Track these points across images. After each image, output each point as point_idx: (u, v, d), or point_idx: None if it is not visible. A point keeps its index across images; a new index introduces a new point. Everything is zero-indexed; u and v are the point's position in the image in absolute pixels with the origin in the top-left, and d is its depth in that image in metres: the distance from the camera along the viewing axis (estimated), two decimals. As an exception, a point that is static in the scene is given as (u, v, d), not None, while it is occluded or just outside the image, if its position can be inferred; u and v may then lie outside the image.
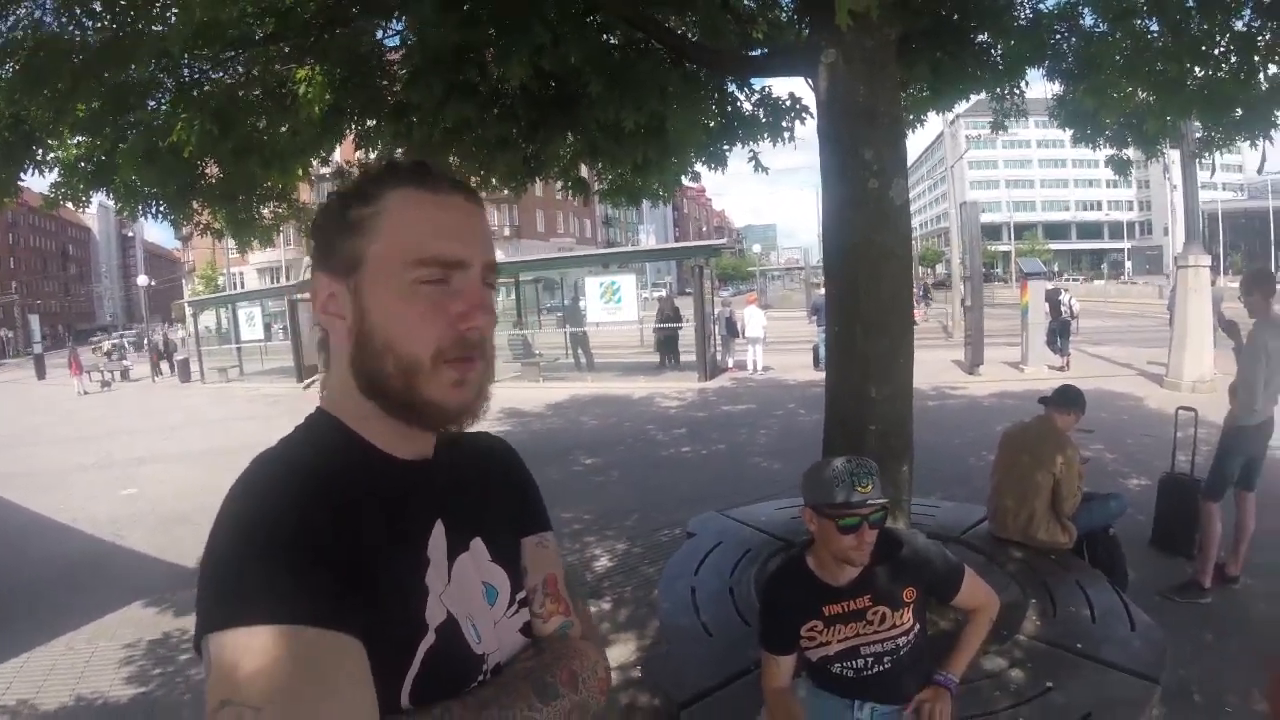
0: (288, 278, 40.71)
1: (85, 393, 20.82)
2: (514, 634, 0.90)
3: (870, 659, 2.08)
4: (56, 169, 4.40)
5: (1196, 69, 4.25)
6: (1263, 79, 4.10)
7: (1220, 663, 3.57)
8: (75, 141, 4.32)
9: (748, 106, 4.50)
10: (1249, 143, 4.63)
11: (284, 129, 4.21)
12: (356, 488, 0.77)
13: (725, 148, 4.64)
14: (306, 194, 5.94)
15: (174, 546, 6.44)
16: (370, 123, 4.55)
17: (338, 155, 5.88)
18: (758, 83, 4.45)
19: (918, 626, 2.07)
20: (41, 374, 26.78)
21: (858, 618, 2.04)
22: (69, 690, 4.08)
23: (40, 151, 4.18)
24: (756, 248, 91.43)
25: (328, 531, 0.70)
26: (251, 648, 0.62)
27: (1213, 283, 10.81)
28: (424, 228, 0.78)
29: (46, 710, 3.91)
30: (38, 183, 4.69)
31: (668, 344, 16.64)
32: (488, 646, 0.84)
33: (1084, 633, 2.91)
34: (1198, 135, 5.74)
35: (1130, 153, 5.51)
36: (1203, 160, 5.73)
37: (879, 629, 2.04)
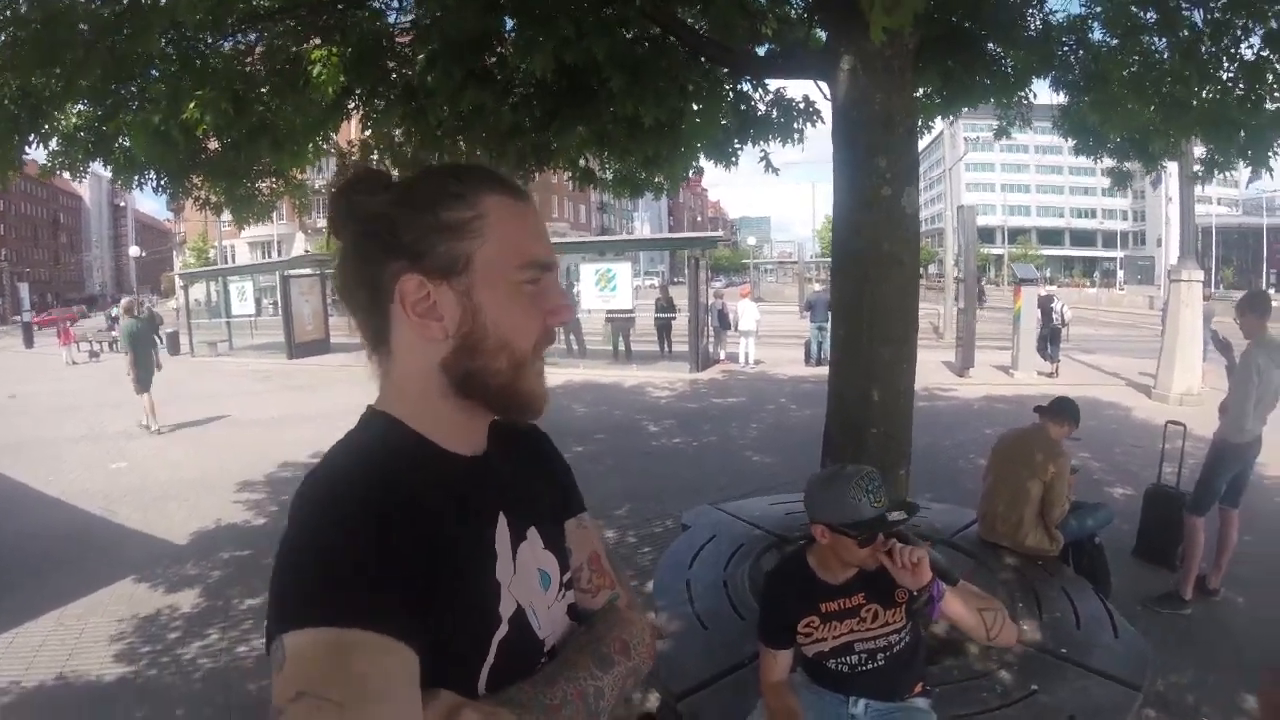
0: (280, 253, 40.50)
1: (74, 362, 20.59)
2: (563, 616, 0.94)
3: (864, 655, 2.13)
4: (55, 138, 4.36)
5: (1203, 91, 4.30)
6: (1268, 105, 4.14)
7: (1199, 673, 3.64)
8: (76, 110, 4.30)
9: (761, 107, 4.52)
10: (1249, 167, 4.69)
11: (290, 107, 4.18)
12: (427, 486, 0.79)
13: (738, 146, 4.66)
14: (306, 172, 5.89)
15: (164, 522, 6.42)
16: (378, 104, 4.54)
17: (336, 135, 5.85)
18: (772, 84, 4.48)
19: (911, 626, 2.12)
20: (29, 343, 26.46)
21: (852, 615, 2.09)
22: (59, 666, 4.04)
23: (44, 124, 4.13)
24: (751, 240, 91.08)
25: (402, 534, 0.72)
26: (333, 648, 0.64)
27: (1205, 297, 10.94)
28: (526, 234, 0.83)
29: (35, 686, 3.87)
30: (35, 151, 4.63)
31: (662, 333, 16.68)
32: (546, 631, 0.89)
33: (1069, 638, 2.95)
34: (1199, 156, 5.80)
35: (1130, 165, 5.56)
36: (1202, 181, 5.79)
37: (871, 626, 2.09)
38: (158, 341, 10.22)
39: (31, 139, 4.10)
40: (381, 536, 0.71)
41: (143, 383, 9.96)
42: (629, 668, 0.92)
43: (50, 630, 4.47)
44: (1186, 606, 4.29)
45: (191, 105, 3.50)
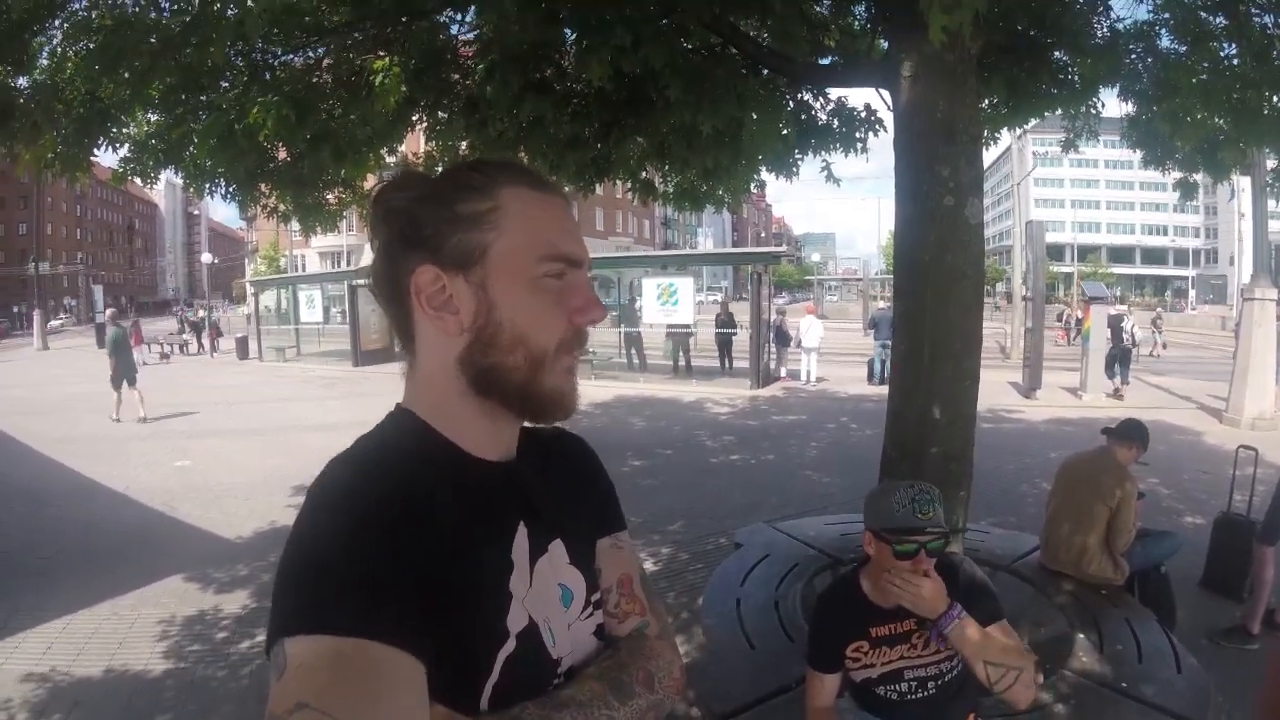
0: (348, 263, 41.64)
1: (144, 364, 21.46)
2: (588, 637, 0.90)
3: (914, 683, 2.05)
4: (127, 145, 4.54)
5: (1275, 98, 4.12)
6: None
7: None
8: (148, 119, 4.47)
9: (822, 116, 4.46)
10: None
11: (354, 118, 4.29)
12: (443, 491, 0.76)
13: (799, 157, 4.61)
14: (370, 181, 6.04)
15: (223, 520, 6.61)
16: (441, 115, 4.62)
17: (404, 147, 5.97)
18: (833, 93, 4.42)
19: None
20: (102, 342, 27.65)
21: (903, 640, 2.02)
22: (109, 655, 4.15)
23: (113, 128, 4.30)
24: (815, 256, 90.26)
25: (413, 539, 0.70)
26: (338, 659, 0.61)
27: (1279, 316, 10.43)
28: (547, 225, 0.81)
29: (84, 673, 3.97)
30: (108, 157, 4.84)
31: (723, 348, 16.59)
32: (562, 650, 0.84)
33: (1130, 672, 2.85)
34: (1271, 165, 5.55)
35: (1199, 177, 5.35)
36: (1275, 193, 5.54)
37: (923, 653, 2.01)
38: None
39: (101, 143, 4.28)
40: (392, 541, 0.68)
41: (124, 380, 11.39)
42: (651, 701, 0.86)
43: (104, 619, 4.63)
44: (1254, 641, 4.06)
45: (255, 110, 3.60)
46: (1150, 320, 22.71)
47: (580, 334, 0.82)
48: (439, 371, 0.81)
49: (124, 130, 4.39)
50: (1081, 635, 3.16)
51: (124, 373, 11.48)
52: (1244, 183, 7.78)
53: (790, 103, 4.42)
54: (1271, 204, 9.00)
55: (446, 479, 0.78)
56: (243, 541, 6.09)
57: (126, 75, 3.56)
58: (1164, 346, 21.20)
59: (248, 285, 30.67)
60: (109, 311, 14.09)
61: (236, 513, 6.84)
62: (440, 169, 5.23)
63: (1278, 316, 10.14)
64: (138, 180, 4.87)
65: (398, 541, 0.69)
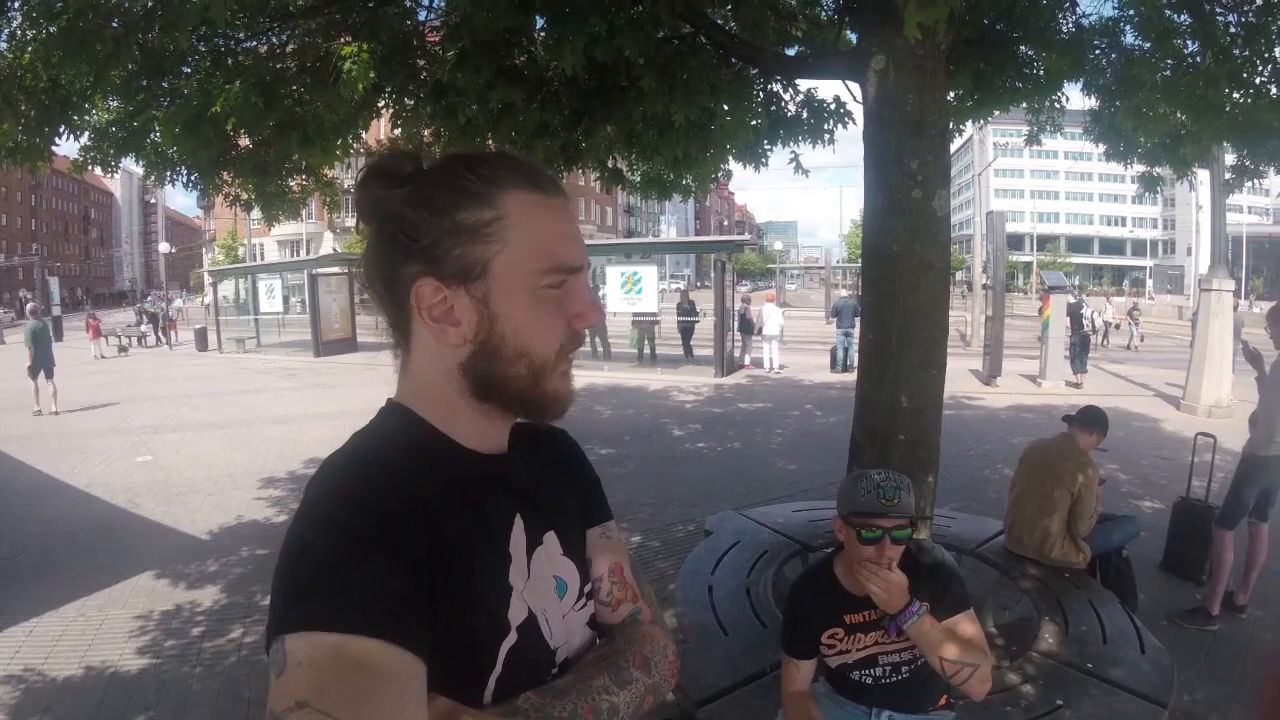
0: (308, 251, 40.90)
1: (102, 356, 20.95)
2: (581, 627, 0.91)
3: (889, 668, 2.09)
4: (87, 133, 4.40)
5: (1236, 94, 4.23)
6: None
7: (1225, 691, 3.57)
8: (109, 106, 4.34)
9: (791, 108, 4.48)
10: (1282, 173, 4.61)
11: (320, 105, 4.21)
12: (441, 484, 0.76)
13: (768, 147, 4.63)
14: (333, 167, 5.93)
15: (187, 516, 6.49)
16: (408, 102, 4.56)
17: (366, 135, 5.87)
18: (802, 84, 4.44)
19: None
20: (59, 336, 26.80)
21: (876, 627, 2.05)
22: (79, 658, 4.06)
23: (74, 116, 4.16)
24: (778, 244, 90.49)
25: (412, 535, 0.69)
26: (339, 657, 0.61)
27: (1235, 307, 10.74)
28: (550, 235, 0.79)
29: (55, 677, 3.87)
30: (66, 146, 4.67)
31: (684, 336, 16.68)
32: (558, 640, 0.85)
33: (1095, 653, 2.91)
34: (1230, 160, 5.71)
35: (1161, 171, 5.48)
36: (1234, 188, 5.70)
37: (897, 640, 2.04)
38: (53, 340, 12.39)
39: (62, 131, 4.15)
40: (391, 538, 0.68)
41: (41, 371, 11.64)
42: (648, 685, 0.87)
43: (71, 620, 4.51)
44: (1213, 622, 4.19)
45: (221, 98, 3.51)
46: (1127, 312, 22.47)
47: (578, 336, 0.82)
48: (437, 373, 0.81)
49: (85, 118, 4.25)
50: (1047, 618, 3.22)
51: (41, 364, 11.69)
52: (1202, 175, 7.98)
53: (760, 94, 4.44)
54: (1230, 197, 9.26)
55: (444, 473, 0.78)
56: (210, 537, 5.98)
57: (89, 61, 3.44)
58: (1141, 339, 21.11)
59: (206, 275, 29.96)
60: (29, 306, 14.22)
61: (201, 508, 6.71)
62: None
63: (1234, 307, 10.45)
64: (98, 170, 4.73)
65: (397, 538, 0.68)
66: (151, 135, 4.28)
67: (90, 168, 4.70)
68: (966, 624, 2.00)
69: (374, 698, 0.60)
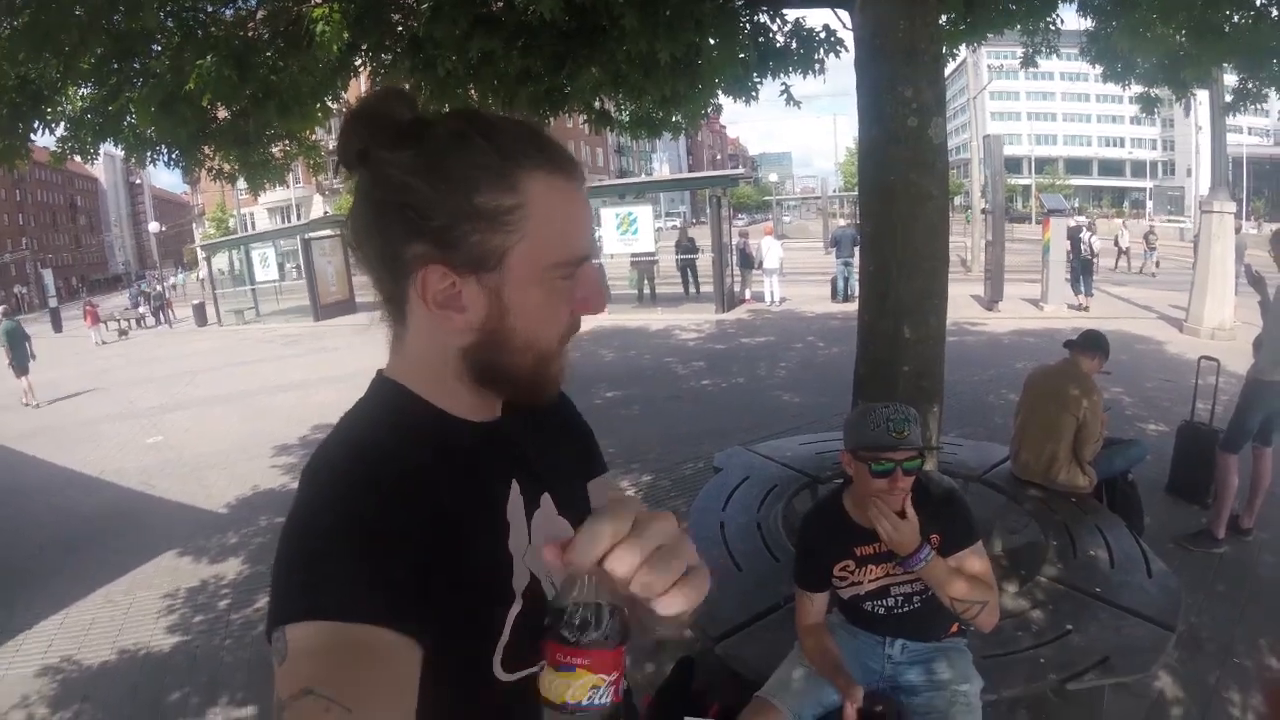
0: (298, 216, 40.50)
1: (103, 342, 20.91)
2: None
3: (900, 599, 2.12)
4: (63, 123, 4.30)
5: (1236, 16, 4.11)
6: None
7: (1230, 613, 3.61)
8: (82, 93, 4.24)
9: (780, 38, 4.36)
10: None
11: (295, 68, 4.10)
12: (438, 461, 0.75)
13: (757, 80, 4.50)
14: (314, 132, 5.82)
15: (203, 492, 6.56)
16: (385, 58, 4.44)
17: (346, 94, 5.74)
18: (790, 14, 4.30)
19: None
20: (58, 327, 26.74)
21: (888, 559, 2.07)
22: (110, 643, 4.11)
23: (47, 110, 4.05)
24: (773, 176, 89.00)
25: (410, 517, 0.68)
26: (341, 645, 0.60)
27: (1236, 229, 10.62)
28: (568, 227, 0.75)
29: (90, 664, 3.93)
30: (43, 138, 4.55)
31: (685, 273, 16.54)
32: None
33: (1103, 577, 2.94)
34: (1231, 82, 5.58)
35: (1160, 92, 5.36)
36: (1234, 110, 5.57)
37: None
38: (29, 336, 13.02)
39: (36, 126, 4.06)
40: (389, 519, 0.67)
41: (20, 368, 12.25)
42: None
43: (100, 607, 4.57)
44: (1219, 545, 4.22)
45: (195, 75, 3.42)
46: (1143, 235, 21.21)
47: (577, 321, 0.80)
48: (433, 353, 0.78)
49: (58, 109, 4.15)
50: (1054, 543, 3.25)
51: (18, 360, 12.27)
52: (1201, 96, 7.80)
53: (747, 26, 4.31)
54: (1231, 119, 9.07)
55: (439, 447, 0.76)
56: (228, 510, 6.06)
57: (56, 54, 3.34)
58: (1158, 264, 19.80)
59: (199, 250, 29.73)
60: (1, 308, 14.76)
61: (216, 483, 6.78)
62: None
63: (1235, 229, 10.34)
64: (77, 158, 4.64)
65: (394, 520, 0.67)
66: (129, 118, 4.18)
67: (70, 158, 4.62)
68: (975, 560, 2.02)
69: (376, 683, 0.60)
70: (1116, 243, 20.92)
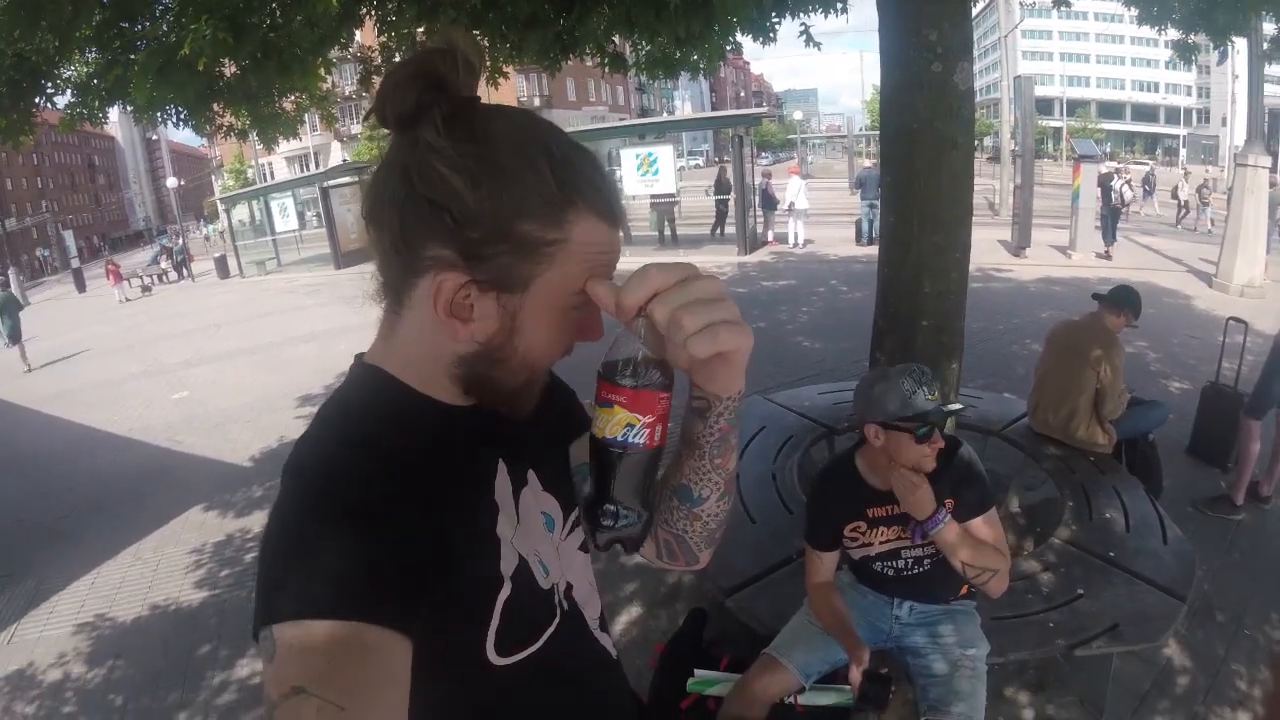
0: (316, 165, 40.31)
1: (127, 299, 21.04)
2: (574, 552, 0.91)
3: (910, 561, 2.12)
4: (69, 91, 4.25)
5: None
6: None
7: (1244, 582, 3.55)
8: (87, 59, 4.17)
9: (799, -24, 4.18)
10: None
11: (299, 21, 4.00)
12: (425, 450, 0.73)
13: (775, 20, 4.33)
14: (324, 81, 5.72)
15: (229, 446, 6.67)
16: (389, 5, 4.33)
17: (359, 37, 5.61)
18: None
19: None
20: (81, 287, 26.89)
21: (901, 521, 2.07)
22: (141, 599, 4.21)
23: (47, 84, 3.99)
24: (797, 114, 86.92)
25: (396, 510, 0.66)
26: (331, 643, 0.60)
27: (1272, 184, 10.22)
28: (595, 265, 0.71)
29: (122, 621, 4.04)
30: (49, 108, 4.52)
31: (720, 218, 16.16)
32: (555, 576, 0.84)
33: (1117, 541, 2.89)
34: (1270, 31, 5.30)
35: (1197, 38, 5.11)
36: (1272, 59, 5.30)
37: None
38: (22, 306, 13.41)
39: (40, 102, 4.00)
40: (374, 512, 0.65)
41: (14, 337, 12.59)
42: None
43: (129, 565, 4.67)
44: (1238, 511, 4.14)
45: (189, 40, 3.33)
46: (1195, 189, 18.64)
47: (572, 347, 0.79)
48: (426, 349, 0.75)
49: (60, 80, 4.08)
50: (1070, 503, 3.20)
51: (16, 331, 12.57)
52: (1239, 44, 7.44)
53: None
54: (1267, 68, 8.65)
55: (423, 434, 0.74)
56: (253, 464, 6.16)
57: (52, 28, 3.27)
58: (1212, 222, 16.86)
59: (218, 203, 29.73)
60: None
61: (241, 436, 6.89)
62: (402, 59, 4.94)
63: (1270, 184, 9.96)
64: (87, 123, 4.61)
65: (380, 512, 0.66)
66: (132, 84, 4.13)
67: (79, 125, 4.58)
68: (987, 527, 2.01)
69: (368, 680, 0.59)
70: (1175, 194, 19.44)
